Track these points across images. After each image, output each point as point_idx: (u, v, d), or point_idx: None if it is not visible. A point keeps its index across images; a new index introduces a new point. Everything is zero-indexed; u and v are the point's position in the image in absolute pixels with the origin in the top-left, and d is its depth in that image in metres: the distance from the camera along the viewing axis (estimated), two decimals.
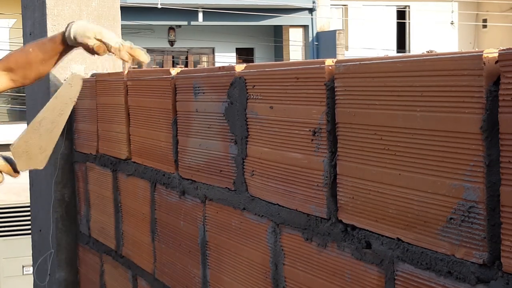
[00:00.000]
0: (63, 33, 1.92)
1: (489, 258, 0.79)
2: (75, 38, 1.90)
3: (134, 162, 1.80)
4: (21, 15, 2.49)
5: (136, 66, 2.06)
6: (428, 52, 0.96)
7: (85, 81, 2.08)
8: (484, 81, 0.78)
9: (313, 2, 19.32)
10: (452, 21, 22.73)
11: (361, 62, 0.98)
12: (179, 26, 18.46)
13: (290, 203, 1.16)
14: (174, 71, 1.59)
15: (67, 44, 1.92)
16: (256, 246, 1.27)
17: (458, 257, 0.83)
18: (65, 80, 2.09)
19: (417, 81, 0.87)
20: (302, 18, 19.45)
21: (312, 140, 1.09)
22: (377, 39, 21.26)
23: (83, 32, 1.89)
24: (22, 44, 2.54)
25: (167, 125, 1.60)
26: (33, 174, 2.49)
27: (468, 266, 0.82)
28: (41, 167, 1.89)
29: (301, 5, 19.17)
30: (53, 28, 2.22)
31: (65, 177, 2.27)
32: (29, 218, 2.70)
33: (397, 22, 22.94)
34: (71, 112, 2.22)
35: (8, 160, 1.81)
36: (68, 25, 1.92)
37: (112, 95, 1.91)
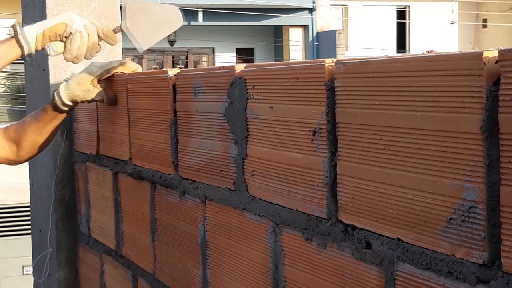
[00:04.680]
0: (53, 103, 1.81)
1: (489, 258, 0.79)
2: (74, 101, 1.81)
3: (135, 165, 1.80)
4: (21, 15, 2.49)
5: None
6: (428, 52, 0.96)
7: None
8: (484, 81, 0.78)
9: (313, 2, 19.34)
10: (452, 21, 22.74)
11: (361, 62, 0.98)
12: None
13: (290, 203, 1.16)
14: (172, 72, 1.58)
15: (61, 110, 1.82)
16: (256, 246, 1.27)
17: (458, 257, 0.83)
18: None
19: (417, 81, 0.87)
20: (302, 18, 19.46)
21: (312, 140, 1.09)
22: (377, 39, 21.28)
23: (78, 91, 1.79)
24: None
25: (165, 126, 1.60)
26: (33, 174, 2.49)
27: (468, 266, 0.82)
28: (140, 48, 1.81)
29: (301, 5, 19.18)
30: None
31: (65, 177, 2.27)
32: (29, 218, 2.70)
33: (397, 22, 22.96)
34: (71, 112, 2.23)
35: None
36: (53, 93, 1.82)
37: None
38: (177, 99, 1.55)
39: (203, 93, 1.43)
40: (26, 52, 1.68)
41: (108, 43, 1.80)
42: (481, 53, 0.78)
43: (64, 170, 2.27)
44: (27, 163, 2.51)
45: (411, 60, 0.89)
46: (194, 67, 16.62)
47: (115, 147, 1.92)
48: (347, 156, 1.02)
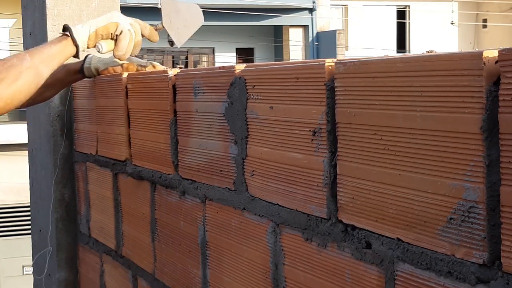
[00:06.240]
0: (81, 65, 1.92)
1: (489, 258, 0.79)
2: (96, 70, 1.92)
3: (135, 165, 1.80)
4: (21, 15, 2.49)
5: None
6: (428, 52, 0.96)
7: (85, 81, 2.08)
8: (484, 81, 0.78)
9: (313, 2, 19.33)
10: (452, 21, 22.74)
11: (361, 62, 0.98)
12: None
13: (290, 203, 1.16)
14: (172, 72, 1.59)
15: (83, 74, 1.94)
16: (256, 246, 1.27)
17: (458, 257, 0.83)
18: None
19: (417, 81, 0.87)
20: (302, 18, 19.46)
21: (312, 140, 1.09)
22: (377, 39, 21.28)
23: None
24: (22, 44, 2.53)
25: (165, 126, 1.60)
26: (33, 174, 2.49)
27: (468, 266, 0.82)
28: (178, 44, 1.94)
29: (301, 5, 19.18)
30: (53, 28, 2.22)
31: (65, 177, 2.27)
32: (29, 218, 2.70)
33: (397, 22, 22.96)
34: (71, 112, 2.23)
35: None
36: (86, 57, 1.91)
37: (112, 96, 1.91)
38: (177, 99, 1.55)
39: (203, 93, 1.43)
40: (80, 50, 1.74)
41: (151, 41, 1.90)
42: (481, 53, 0.78)
43: (64, 170, 2.26)
44: (27, 163, 2.52)
45: (411, 60, 0.89)
46: (194, 67, 16.59)
47: (113, 147, 1.92)
48: (347, 156, 1.02)
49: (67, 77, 1.96)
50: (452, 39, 22.80)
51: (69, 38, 1.71)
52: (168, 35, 1.96)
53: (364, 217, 0.99)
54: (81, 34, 1.73)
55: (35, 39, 2.33)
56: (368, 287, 0.99)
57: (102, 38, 1.77)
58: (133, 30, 1.81)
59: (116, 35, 1.77)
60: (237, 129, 1.31)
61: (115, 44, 1.78)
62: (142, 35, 1.85)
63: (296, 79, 1.12)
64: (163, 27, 1.92)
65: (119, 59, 1.83)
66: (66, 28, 1.73)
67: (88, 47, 1.77)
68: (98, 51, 1.79)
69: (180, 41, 1.94)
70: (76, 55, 1.75)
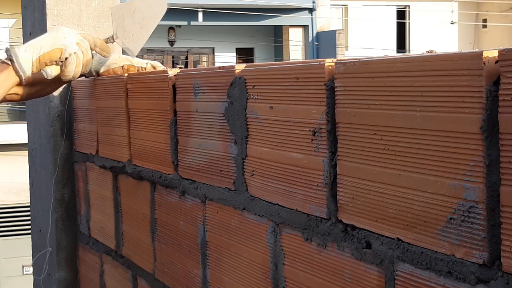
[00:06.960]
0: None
1: (489, 258, 0.79)
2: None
3: (135, 165, 1.80)
4: (21, 15, 2.49)
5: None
6: (428, 52, 0.96)
7: (85, 81, 2.08)
8: (484, 81, 0.78)
9: (313, 2, 19.34)
10: (452, 21, 22.74)
11: (361, 62, 0.98)
12: (179, 26, 18.45)
13: (290, 203, 1.16)
14: (172, 72, 1.59)
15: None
16: (256, 246, 1.27)
17: (458, 257, 0.83)
18: None
19: (417, 81, 0.87)
20: (302, 18, 19.47)
21: (312, 140, 1.09)
22: (377, 39, 21.30)
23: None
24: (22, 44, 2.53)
25: (165, 126, 1.60)
26: (33, 174, 2.49)
27: (468, 266, 0.82)
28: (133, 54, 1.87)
29: (301, 5, 19.19)
30: (53, 28, 2.22)
31: (65, 177, 2.27)
32: (29, 218, 2.70)
33: (397, 22, 22.97)
34: (71, 112, 2.23)
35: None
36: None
37: (113, 98, 1.91)
38: (177, 99, 1.55)
39: (203, 93, 1.43)
40: (24, 78, 1.66)
41: (103, 56, 1.84)
42: (481, 53, 0.78)
43: (64, 170, 2.27)
44: (27, 163, 2.52)
45: (411, 60, 0.89)
46: (194, 67, 16.58)
47: (114, 149, 1.92)
48: (347, 156, 1.02)
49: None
50: (452, 39, 22.81)
51: (12, 67, 1.64)
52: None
53: (364, 217, 0.99)
54: (25, 62, 1.66)
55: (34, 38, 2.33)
56: (368, 287, 0.99)
57: (46, 65, 1.69)
58: (81, 50, 1.73)
59: (61, 61, 1.70)
60: (237, 129, 1.31)
61: (62, 69, 1.72)
62: (94, 50, 1.79)
63: (296, 79, 1.12)
64: (113, 40, 1.85)
65: (68, 82, 1.78)
66: (9, 52, 1.66)
67: (33, 72, 1.69)
68: (45, 77, 1.71)
69: (136, 48, 1.84)
70: (20, 84, 1.67)
